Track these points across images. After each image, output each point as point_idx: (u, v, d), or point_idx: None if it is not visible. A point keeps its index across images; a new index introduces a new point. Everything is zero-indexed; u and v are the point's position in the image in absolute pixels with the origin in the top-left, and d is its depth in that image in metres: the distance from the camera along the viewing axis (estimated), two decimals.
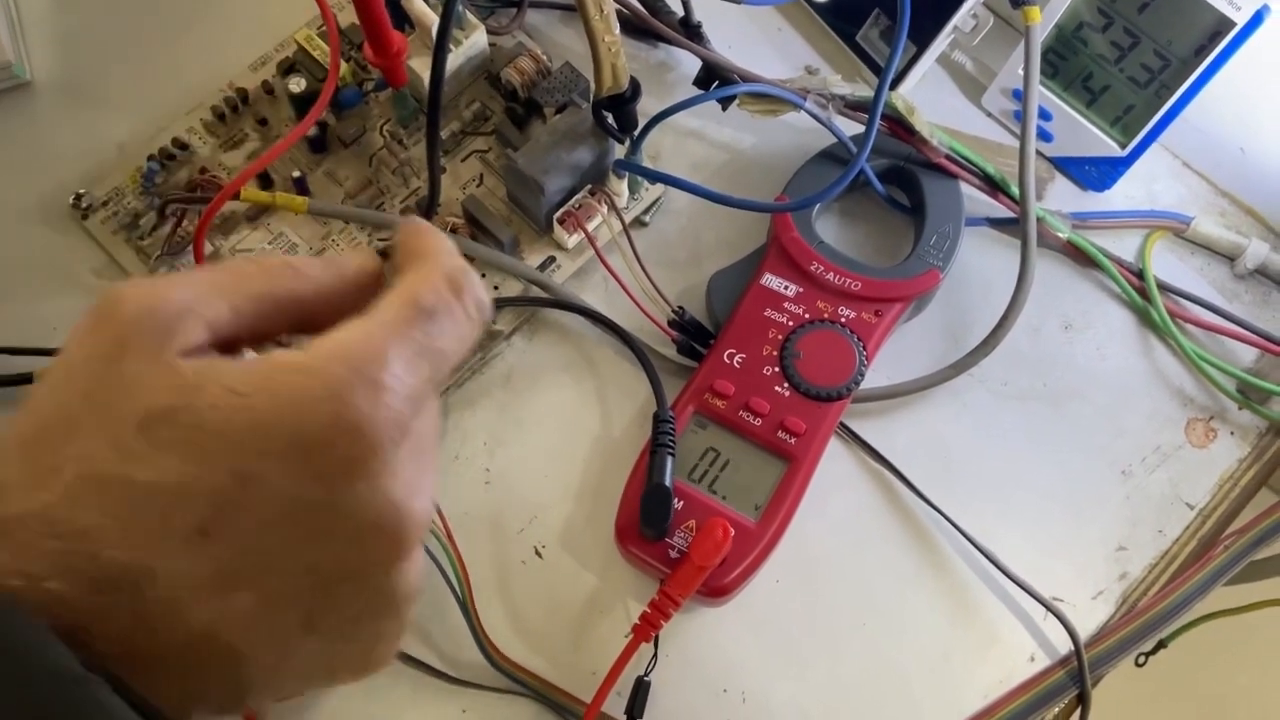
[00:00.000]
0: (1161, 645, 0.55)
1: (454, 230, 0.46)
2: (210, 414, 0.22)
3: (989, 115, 0.53)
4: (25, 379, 0.44)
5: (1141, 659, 0.59)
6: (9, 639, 0.20)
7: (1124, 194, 0.51)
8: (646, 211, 0.49)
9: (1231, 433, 0.47)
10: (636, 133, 0.45)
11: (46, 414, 0.23)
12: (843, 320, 0.45)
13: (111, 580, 0.22)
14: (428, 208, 0.35)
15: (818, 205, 0.47)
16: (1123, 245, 0.50)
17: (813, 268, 0.45)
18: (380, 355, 0.23)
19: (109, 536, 0.22)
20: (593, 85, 0.42)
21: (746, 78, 0.48)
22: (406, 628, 0.27)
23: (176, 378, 0.23)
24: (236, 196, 0.44)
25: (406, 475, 0.24)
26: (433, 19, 0.46)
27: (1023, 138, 0.45)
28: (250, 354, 0.26)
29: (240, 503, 0.22)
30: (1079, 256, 0.49)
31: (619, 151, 0.46)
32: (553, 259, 0.47)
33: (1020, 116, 0.46)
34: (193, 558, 0.22)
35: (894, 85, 0.51)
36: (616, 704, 0.41)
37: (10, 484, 0.22)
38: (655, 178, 0.46)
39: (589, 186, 0.46)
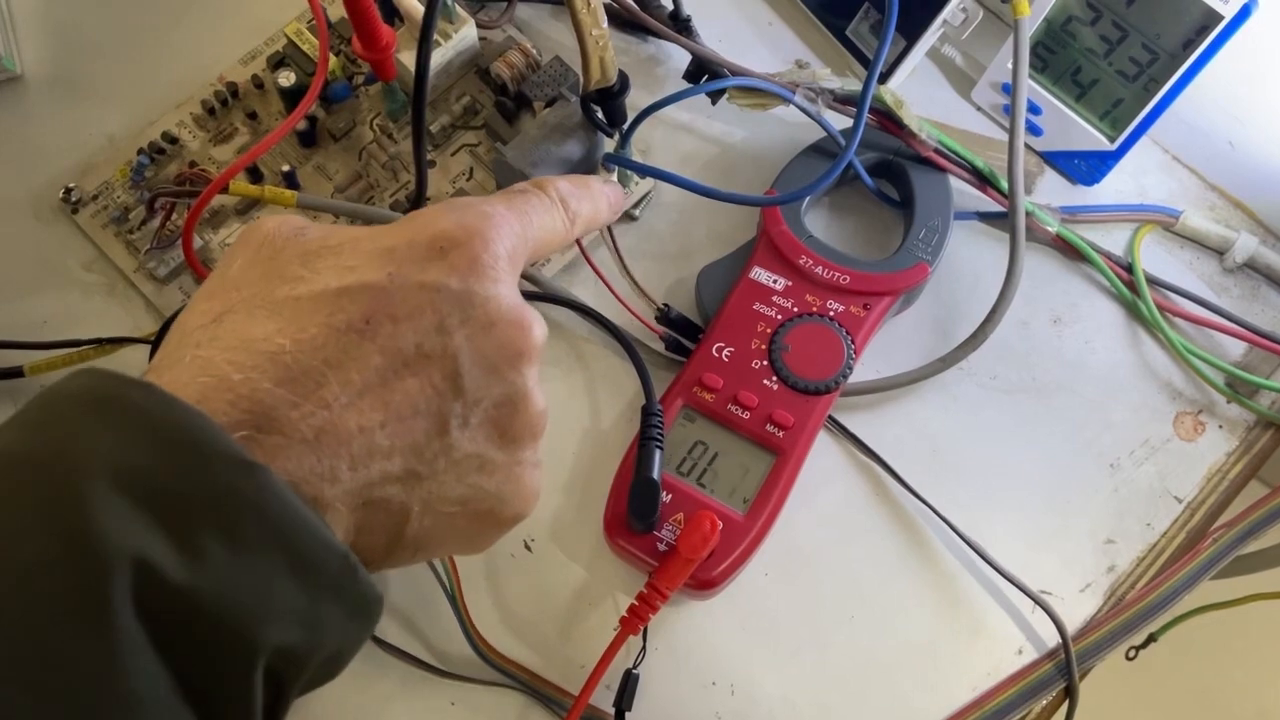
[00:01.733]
0: (1151, 639, 0.56)
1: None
2: (366, 239, 0.28)
3: (978, 109, 0.53)
4: (16, 373, 0.44)
5: (1131, 653, 0.60)
6: (195, 430, 0.23)
7: (1113, 188, 0.51)
8: (636, 205, 0.49)
9: (1220, 426, 0.48)
10: (626, 126, 0.45)
11: (214, 286, 0.28)
12: (831, 314, 0.45)
13: (291, 373, 0.25)
14: (415, 202, 0.35)
15: (807, 199, 0.47)
16: (1112, 239, 0.50)
17: (801, 261, 0.45)
18: (491, 201, 0.31)
19: (284, 339, 0.26)
20: (581, 79, 0.42)
21: (736, 71, 0.48)
22: (541, 462, 0.31)
23: (323, 235, 0.29)
24: (226, 190, 0.44)
25: (519, 296, 0.30)
26: (421, 13, 0.45)
27: (1012, 132, 0.45)
28: None
29: (393, 295, 0.27)
30: (1068, 250, 0.50)
31: (608, 145, 0.46)
32: None
33: (1009, 110, 0.46)
34: (359, 352, 0.26)
35: (883, 79, 0.51)
36: (605, 696, 0.41)
37: (192, 326, 0.26)
38: (644, 171, 0.46)
39: None
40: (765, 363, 0.44)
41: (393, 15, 0.47)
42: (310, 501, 0.25)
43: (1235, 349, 0.49)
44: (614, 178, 0.47)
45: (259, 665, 0.23)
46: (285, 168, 0.47)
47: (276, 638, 0.23)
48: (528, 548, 0.44)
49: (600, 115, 0.45)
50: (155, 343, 0.42)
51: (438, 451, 0.28)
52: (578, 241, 0.46)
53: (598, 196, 0.36)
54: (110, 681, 0.21)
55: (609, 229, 0.46)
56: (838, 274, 0.45)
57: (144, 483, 0.22)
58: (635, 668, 0.41)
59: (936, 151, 0.47)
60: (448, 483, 0.29)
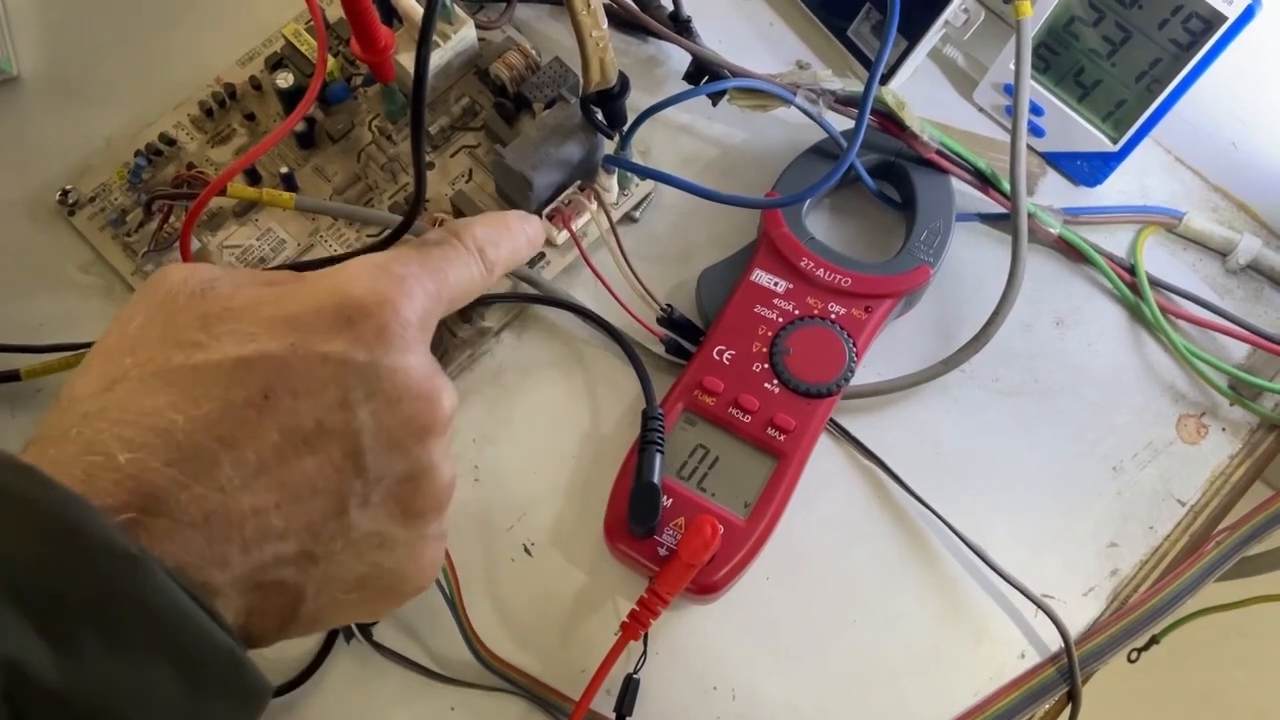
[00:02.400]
0: (1154, 641, 0.55)
1: (441, 225, 0.46)
2: (267, 304, 0.27)
3: (980, 110, 0.52)
4: (13, 376, 0.44)
5: (1134, 655, 0.59)
6: (74, 519, 0.22)
7: (1116, 189, 0.51)
8: (637, 207, 0.49)
9: (1223, 429, 0.47)
10: (626, 128, 0.45)
11: (110, 344, 0.26)
12: (833, 316, 0.44)
13: (183, 453, 0.24)
14: (413, 204, 0.35)
15: (808, 201, 0.47)
16: (1114, 240, 0.50)
17: (803, 264, 0.45)
18: (404, 259, 0.29)
19: (176, 414, 0.24)
20: (581, 81, 0.42)
21: (737, 73, 0.48)
22: (445, 533, 0.31)
23: (229, 293, 0.27)
24: (223, 192, 0.43)
25: (430, 362, 0.28)
26: (420, 14, 0.45)
27: (1014, 133, 0.45)
28: None
29: (295, 368, 0.26)
30: (1070, 252, 0.49)
31: (608, 147, 0.46)
32: (542, 255, 0.47)
33: (1011, 111, 0.46)
34: (256, 429, 0.25)
35: (885, 80, 0.51)
36: (606, 702, 0.41)
37: (83, 394, 0.25)
38: (645, 174, 0.46)
39: (578, 182, 0.46)
40: (766, 366, 0.44)
41: (391, 16, 0.47)
42: (198, 587, 0.24)
43: (1238, 351, 0.49)
44: (614, 180, 0.46)
45: None
46: (283, 169, 0.47)
47: None
48: (528, 552, 0.44)
49: (600, 117, 0.44)
50: None
51: (335, 532, 0.27)
52: (578, 244, 0.46)
53: (516, 236, 0.35)
54: None
55: (614, 231, 0.45)
56: (839, 276, 0.45)
57: (19, 575, 0.21)
58: (636, 673, 0.41)
59: (938, 153, 0.47)
60: (345, 562, 0.28)
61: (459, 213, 0.47)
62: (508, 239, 0.34)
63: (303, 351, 0.26)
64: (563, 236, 0.46)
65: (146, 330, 0.26)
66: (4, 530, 0.21)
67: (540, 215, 0.46)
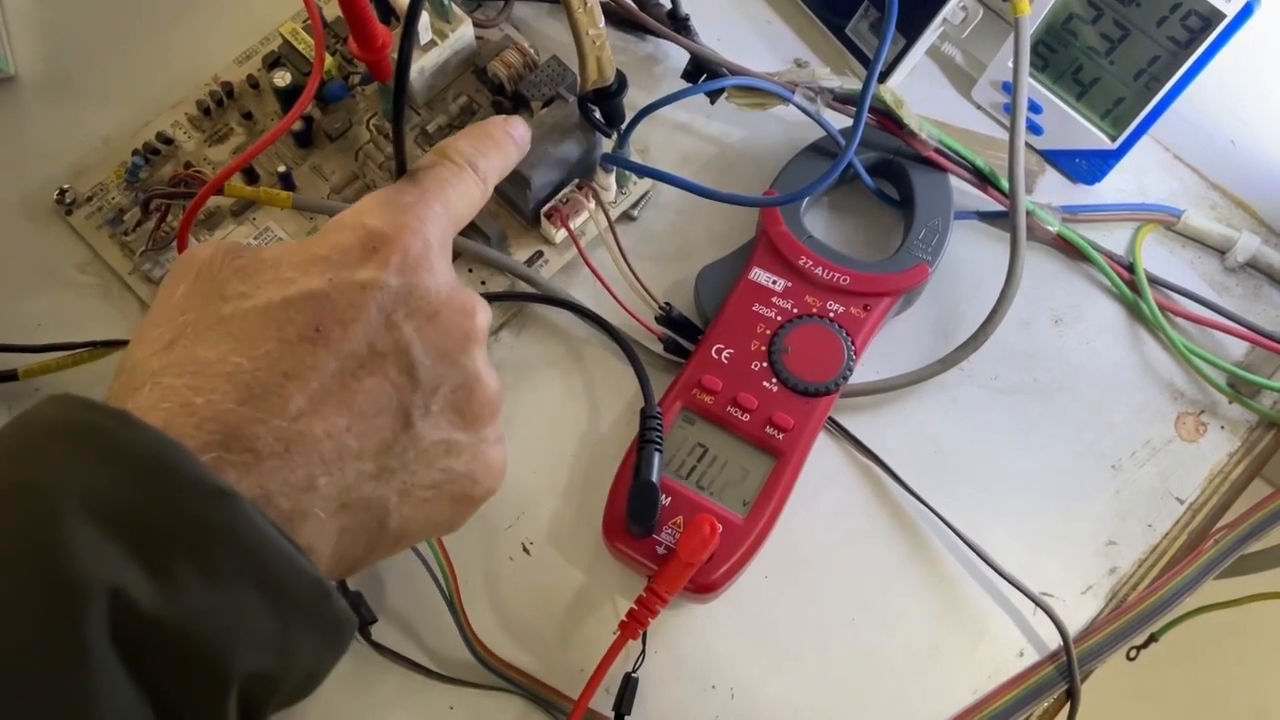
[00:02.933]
0: (1153, 639, 0.55)
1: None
2: (296, 251, 0.28)
3: (979, 108, 0.52)
4: (10, 376, 0.44)
5: (1133, 652, 0.59)
6: (167, 459, 0.23)
7: (1114, 187, 0.51)
8: (635, 205, 0.49)
9: (1221, 427, 0.47)
10: (624, 126, 0.45)
11: (159, 313, 0.28)
12: (831, 315, 0.44)
13: (252, 391, 0.25)
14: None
15: (806, 199, 0.47)
16: (1113, 238, 0.50)
17: (801, 262, 0.45)
18: (406, 188, 0.31)
19: (239, 358, 0.26)
20: (578, 79, 0.42)
21: (735, 71, 0.48)
22: (503, 437, 0.32)
23: (257, 251, 0.29)
24: (221, 191, 0.43)
25: (455, 279, 0.30)
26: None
27: (1012, 131, 0.45)
28: None
29: (337, 300, 0.27)
30: (1069, 250, 0.49)
31: (607, 145, 0.46)
32: (540, 253, 0.47)
33: (1010, 109, 0.46)
34: (315, 359, 0.27)
35: (883, 78, 0.51)
36: (604, 700, 0.41)
37: (144, 357, 0.27)
38: (643, 172, 0.46)
39: (576, 181, 0.46)
40: (765, 364, 0.44)
41: (389, 15, 0.47)
42: (289, 514, 0.26)
43: (1237, 349, 0.49)
44: (613, 179, 0.46)
45: (232, 692, 0.23)
46: (281, 168, 0.47)
47: (249, 664, 0.23)
48: (526, 551, 0.44)
49: (598, 115, 0.44)
50: None
51: (405, 444, 0.28)
52: (576, 243, 0.46)
53: (502, 143, 0.35)
54: (87, 712, 0.21)
55: (612, 230, 0.45)
56: (837, 275, 0.45)
57: (118, 512, 0.22)
58: (635, 671, 0.41)
59: (937, 151, 0.47)
60: (419, 470, 0.29)
61: None
62: (494, 147, 0.35)
63: (340, 283, 0.28)
64: (560, 235, 0.46)
65: (191, 294, 0.28)
66: (104, 470, 0.22)
67: (539, 214, 0.46)
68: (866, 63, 0.51)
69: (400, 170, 0.35)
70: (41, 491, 0.22)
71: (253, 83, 0.49)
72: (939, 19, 0.49)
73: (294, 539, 0.25)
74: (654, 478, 0.41)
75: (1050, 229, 0.48)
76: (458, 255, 0.45)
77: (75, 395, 0.24)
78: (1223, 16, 0.44)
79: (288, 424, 0.26)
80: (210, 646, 0.23)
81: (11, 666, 0.20)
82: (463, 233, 0.46)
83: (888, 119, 0.46)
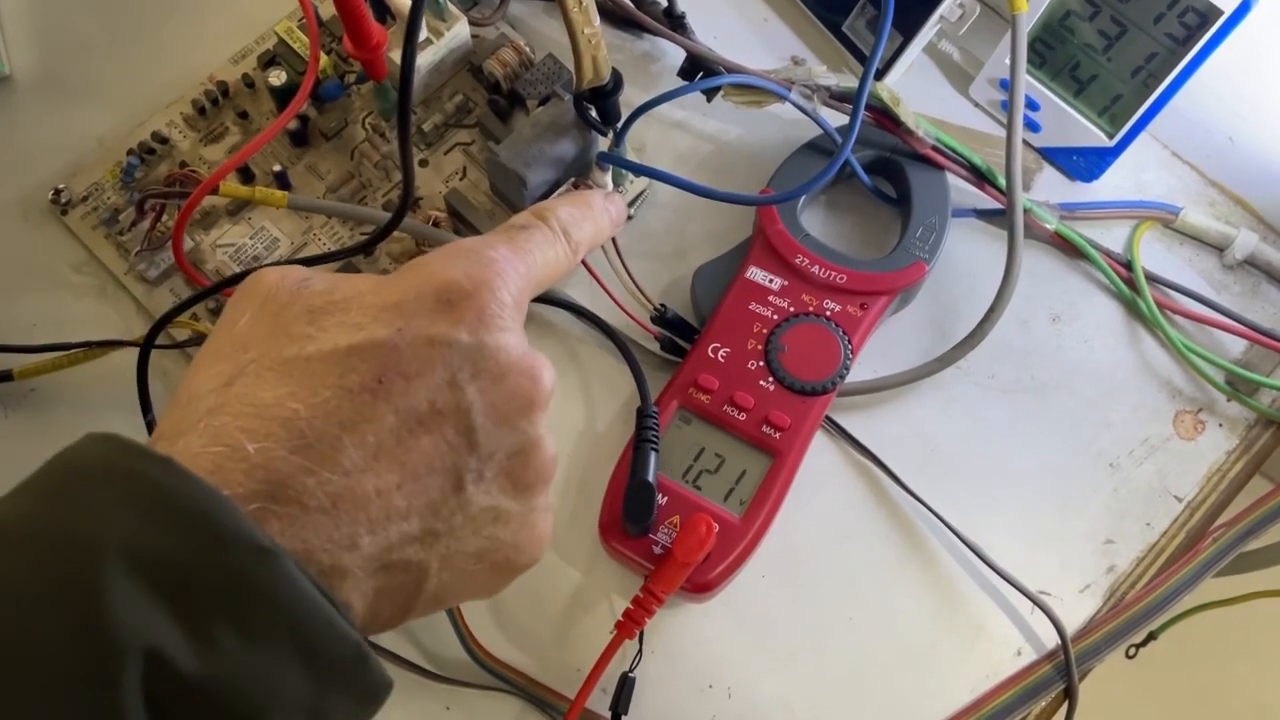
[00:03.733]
0: (1152, 637, 0.55)
1: (436, 224, 0.46)
2: (370, 293, 0.28)
3: (976, 105, 0.52)
4: (5, 376, 0.44)
5: (1132, 651, 0.59)
6: (211, 512, 0.22)
7: (1112, 184, 0.51)
8: (631, 204, 0.48)
9: (1220, 425, 0.47)
10: (620, 125, 0.45)
11: (220, 344, 0.28)
12: (828, 314, 0.44)
13: (306, 440, 0.25)
14: (401, 203, 0.35)
15: (803, 197, 0.47)
16: (1111, 236, 0.50)
17: (798, 261, 0.45)
18: (493, 243, 0.30)
19: (297, 403, 0.25)
20: (574, 78, 0.42)
21: (731, 69, 0.47)
22: (551, 506, 0.31)
23: (327, 288, 0.28)
24: (216, 191, 0.43)
25: (525, 341, 0.29)
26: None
27: (1010, 128, 0.45)
28: None
29: (404, 352, 0.27)
30: (1067, 248, 0.49)
31: (603, 144, 0.46)
32: None
33: (1007, 107, 0.46)
34: (373, 412, 0.26)
35: (880, 76, 0.51)
36: (601, 700, 0.41)
37: (201, 392, 0.26)
38: (639, 171, 0.46)
39: (573, 179, 0.46)
40: (761, 363, 0.44)
41: (384, 13, 0.47)
42: (328, 570, 0.25)
43: (1235, 347, 0.49)
44: (609, 178, 0.46)
45: None
46: (276, 167, 0.47)
47: None
48: None
49: (594, 114, 0.44)
50: (146, 345, 0.42)
51: (455, 508, 0.28)
52: None
53: (599, 216, 0.36)
54: None
55: None
56: (834, 273, 0.45)
57: (159, 567, 0.22)
58: (631, 671, 0.41)
59: (934, 149, 0.47)
60: (465, 537, 0.28)
61: (453, 210, 0.46)
62: (590, 219, 0.35)
63: (410, 336, 0.27)
64: None
65: (254, 328, 0.28)
66: (147, 519, 0.22)
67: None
68: (863, 60, 0.51)
69: (407, 179, 0.35)
70: (83, 539, 0.22)
71: (248, 82, 0.49)
72: (936, 16, 0.49)
73: (332, 597, 0.24)
74: (650, 477, 0.41)
75: (1048, 227, 0.48)
76: None
77: (121, 437, 0.24)
78: (1220, 13, 0.44)
79: (339, 478, 0.25)
80: (246, 709, 0.22)
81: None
82: (457, 232, 0.46)
83: (885, 117, 0.46)
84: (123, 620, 0.21)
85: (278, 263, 0.45)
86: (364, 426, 0.26)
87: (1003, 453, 0.46)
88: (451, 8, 0.47)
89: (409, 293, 0.28)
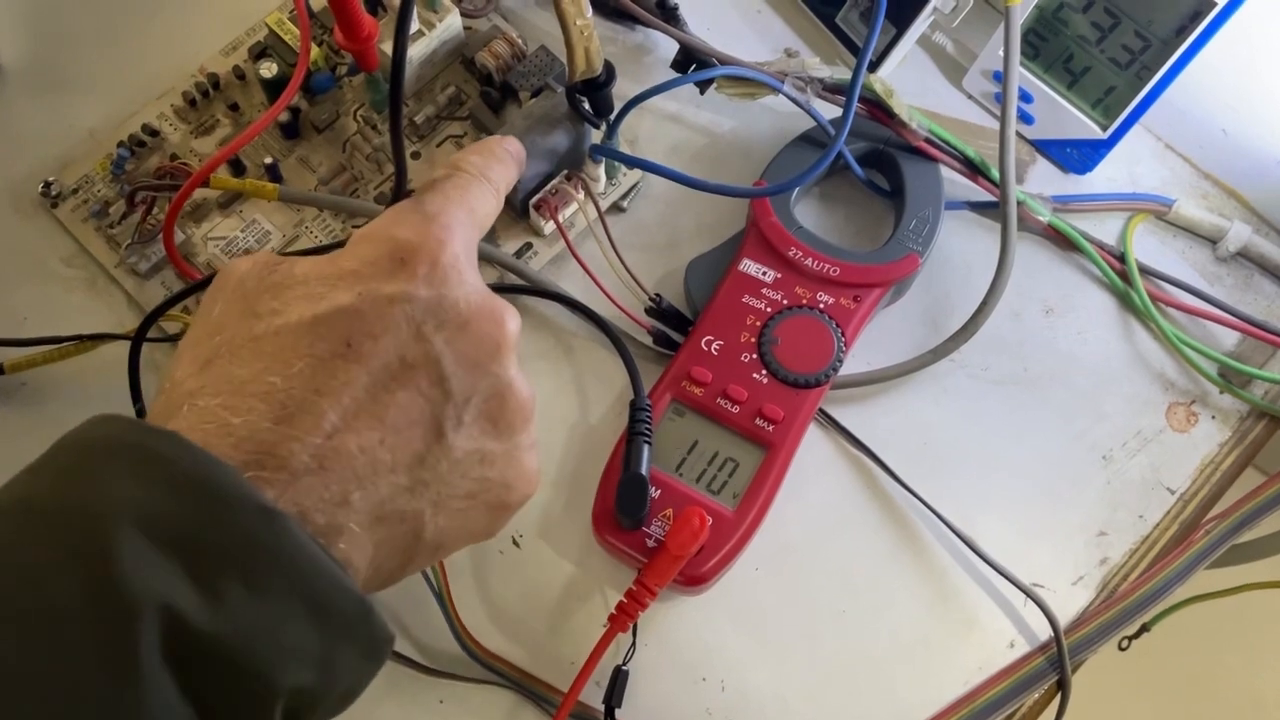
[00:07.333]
0: (1145, 629, 0.55)
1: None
2: (326, 265, 0.29)
3: (969, 97, 0.52)
4: None
5: (1125, 642, 0.59)
6: (215, 478, 0.24)
7: (1106, 176, 0.51)
8: (625, 197, 0.48)
9: (1213, 417, 0.47)
10: (613, 117, 0.45)
11: (197, 333, 0.29)
12: (821, 306, 0.44)
13: (287, 410, 0.26)
14: (394, 195, 0.35)
15: (796, 189, 0.46)
16: (1104, 228, 0.50)
17: (791, 253, 0.45)
18: (431, 198, 0.31)
19: (273, 376, 0.26)
20: (566, 70, 0.42)
21: (724, 60, 0.47)
22: (536, 443, 0.32)
23: (290, 266, 0.29)
24: (206, 184, 0.43)
25: (484, 286, 0.30)
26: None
27: (1003, 120, 0.45)
28: None
29: (368, 314, 0.28)
30: (1060, 240, 0.49)
31: (595, 136, 0.46)
32: (529, 245, 0.47)
33: (1001, 99, 0.46)
34: (347, 375, 0.27)
35: (873, 67, 0.51)
36: (595, 693, 0.41)
37: (182, 377, 0.27)
38: (632, 163, 0.46)
39: (565, 171, 0.46)
40: (755, 356, 0.43)
41: (375, 4, 0.46)
42: (325, 529, 0.26)
43: (1228, 339, 0.49)
44: (602, 170, 0.46)
45: (279, 707, 0.24)
46: (268, 160, 0.46)
47: (294, 680, 0.24)
48: (516, 544, 0.43)
49: (586, 106, 0.44)
50: (137, 338, 0.41)
51: (439, 455, 0.29)
52: (563, 234, 0.46)
53: (503, 157, 0.36)
54: None
55: (602, 221, 0.45)
56: (828, 266, 0.45)
57: (168, 530, 0.23)
58: (625, 664, 0.41)
59: (927, 140, 0.47)
60: (454, 481, 0.29)
61: None
62: (497, 160, 0.36)
63: (370, 297, 0.28)
64: (549, 227, 0.46)
65: (227, 312, 0.29)
66: (154, 487, 0.23)
67: (528, 205, 0.45)
68: (856, 52, 0.51)
69: (400, 174, 0.35)
70: (94, 510, 0.23)
71: (239, 74, 0.49)
72: (929, 8, 0.48)
73: (332, 555, 0.25)
74: (643, 470, 0.41)
75: (1041, 219, 0.48)
76: None
77: (123, 416, 0.25)
78: (1213, 5, 0.44)
79: (322, 440, 0.26)
80: (258, 662, 0.23)
81: (65, 680, 0.21)
82: None
83: (878, 109, 0.46)
84: (136, 579, 0.22)
85: (285, 251, 0.45)
86: (339, 389, 0.27)
87: (996, 445, 0.46)
88: None
89: (364, 258, 0.29)
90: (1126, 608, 0.44)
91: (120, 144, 0.47)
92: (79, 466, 0.24)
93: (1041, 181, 0.51)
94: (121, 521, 0.22)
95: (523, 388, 0.31)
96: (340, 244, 0.39)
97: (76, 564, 0.22)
